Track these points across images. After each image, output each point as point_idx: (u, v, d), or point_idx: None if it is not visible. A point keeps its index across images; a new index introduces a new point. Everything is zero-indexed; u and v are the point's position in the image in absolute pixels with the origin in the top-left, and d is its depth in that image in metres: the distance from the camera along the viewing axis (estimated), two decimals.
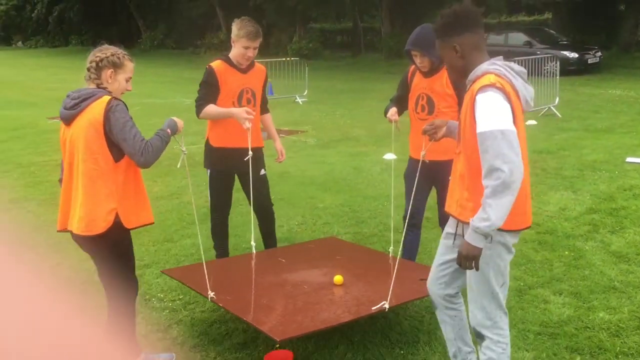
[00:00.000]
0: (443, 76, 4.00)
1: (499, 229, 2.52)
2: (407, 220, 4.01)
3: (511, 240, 2.68)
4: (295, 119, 13.11)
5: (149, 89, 18.58)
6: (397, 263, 3.50)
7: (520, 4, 29.16)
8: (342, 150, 9.80)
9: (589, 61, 20.20)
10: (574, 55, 19.82)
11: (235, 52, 4.35)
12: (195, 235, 5.75)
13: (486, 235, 2.47)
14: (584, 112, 12.55)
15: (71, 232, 3.16)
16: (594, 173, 7.53)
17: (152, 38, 40.51)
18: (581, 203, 6.30)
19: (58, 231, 3.26)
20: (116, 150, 3.05)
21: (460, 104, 3.73)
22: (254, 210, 4.54)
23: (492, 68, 2.58)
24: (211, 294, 3.44)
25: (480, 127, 2.46)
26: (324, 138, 10.85)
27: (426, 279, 3.36)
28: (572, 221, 5.73)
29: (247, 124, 3.97)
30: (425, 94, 4.08)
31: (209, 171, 4.55)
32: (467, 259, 2.53)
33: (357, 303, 3.44)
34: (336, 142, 10.50)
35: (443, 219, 4.00)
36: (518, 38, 21.59)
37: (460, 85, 3.62)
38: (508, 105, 2.49)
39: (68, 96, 3.14)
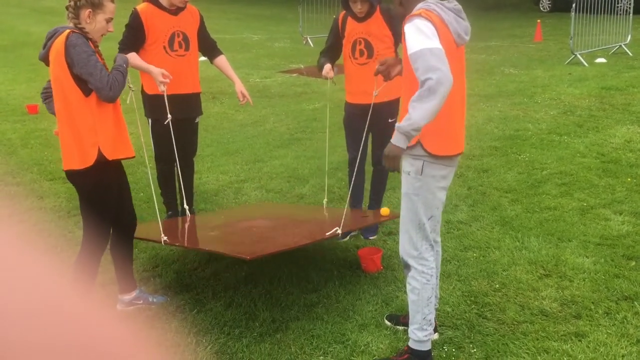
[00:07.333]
0: (378, 18, 3.98)
1: (429, 155, 2.72)
2: (356, 167, 3.95)
3: (440, 171, 2.82)
4: None
5: (217, 25, 19.06)
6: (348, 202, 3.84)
7: None
8: None
9: None
10: None
11: None
12: (282, 156, 6.39)
13: (407, 135, 2.59)
14: None
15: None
16: None
17: None
18: None
19: (64, 171, 3.19)
20: (84, 85, 2.96)
21: (396, 43, 4.00)
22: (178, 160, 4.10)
23: (423, 6, 2.74)
24: (164, 237, 3.39)
25: (410, 50, 2.61)
26: None
27: (369, 216, 3.77)
28: (637, 152, 6.02)
29: (162, 87, 3.78)
30: (362, 39, 4.01)
31: (149, 120, 4.31)
32: (389, 159, 2.69)
33: (310, 233, 3.72)
34: None
35: (377, 158, 4.19)
36: None
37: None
38: (434, 29, 2.61)
39: (46, 36, 3.09)
